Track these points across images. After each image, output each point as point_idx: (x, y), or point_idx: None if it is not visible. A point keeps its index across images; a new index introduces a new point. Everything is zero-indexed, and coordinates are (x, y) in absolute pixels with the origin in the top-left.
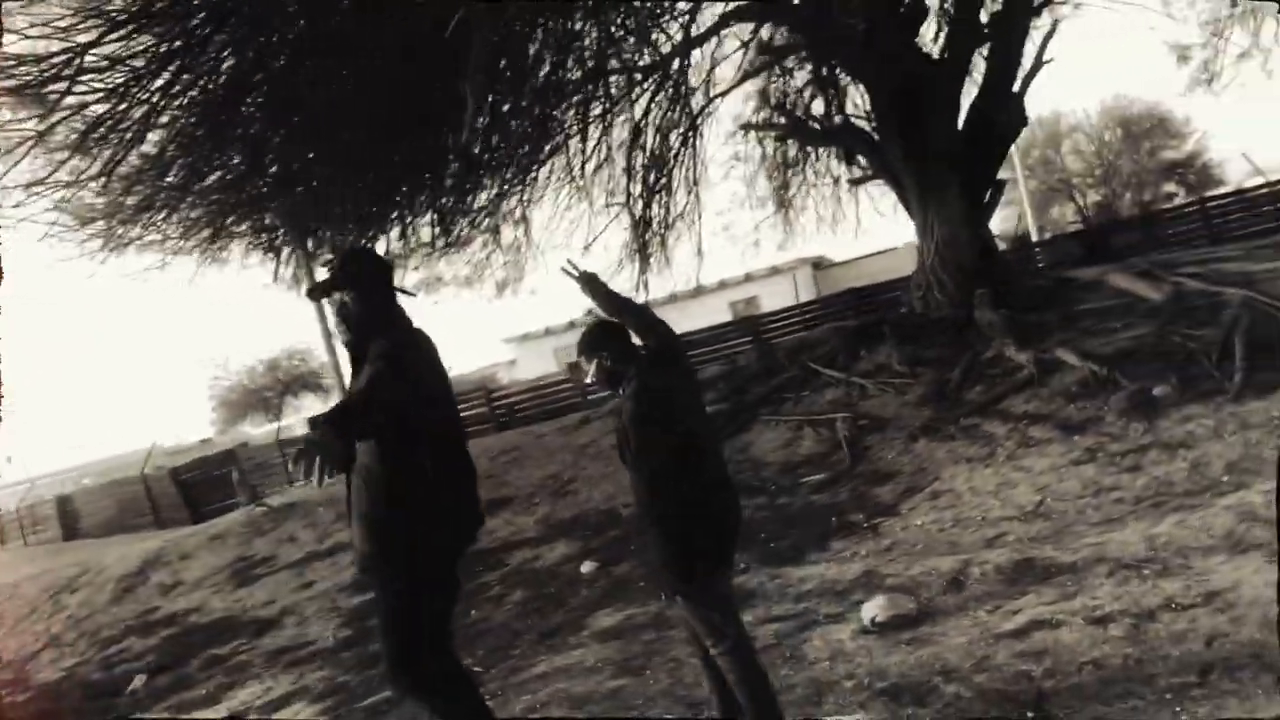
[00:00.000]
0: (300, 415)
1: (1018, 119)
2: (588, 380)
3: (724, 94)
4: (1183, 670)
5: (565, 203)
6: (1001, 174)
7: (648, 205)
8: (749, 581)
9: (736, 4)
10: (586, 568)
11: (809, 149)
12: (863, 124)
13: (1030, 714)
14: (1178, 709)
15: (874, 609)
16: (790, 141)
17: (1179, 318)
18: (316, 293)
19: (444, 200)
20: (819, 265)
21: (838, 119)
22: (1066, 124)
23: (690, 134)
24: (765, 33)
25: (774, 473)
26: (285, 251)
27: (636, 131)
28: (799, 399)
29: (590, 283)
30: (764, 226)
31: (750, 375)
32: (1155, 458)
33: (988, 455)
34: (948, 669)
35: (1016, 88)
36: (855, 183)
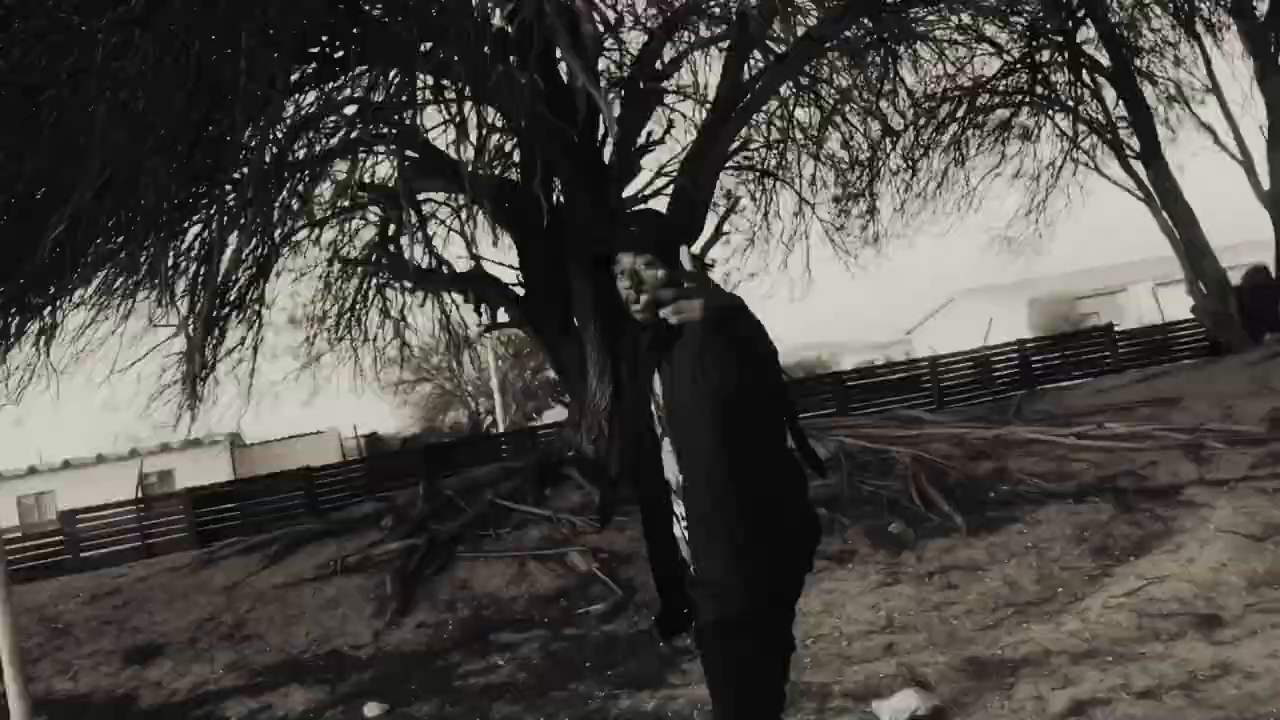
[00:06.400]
0: None
1: None
2: None
3: (320, 222)
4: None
5: (88, 318)
6: None
7: (208, 333)
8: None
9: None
10: (372, 711)
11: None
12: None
13: None
14: None
15: (901, 706)
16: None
17: (858, 471)
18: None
19: None
20: (235, 443)
21: (470, 265)
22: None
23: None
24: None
25: (525, 605)
26: None
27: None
28: (498, 536)
29: None
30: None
31: (428, 513)
32: (962, 579)
33: None
34: None
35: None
36: (489, 329)
